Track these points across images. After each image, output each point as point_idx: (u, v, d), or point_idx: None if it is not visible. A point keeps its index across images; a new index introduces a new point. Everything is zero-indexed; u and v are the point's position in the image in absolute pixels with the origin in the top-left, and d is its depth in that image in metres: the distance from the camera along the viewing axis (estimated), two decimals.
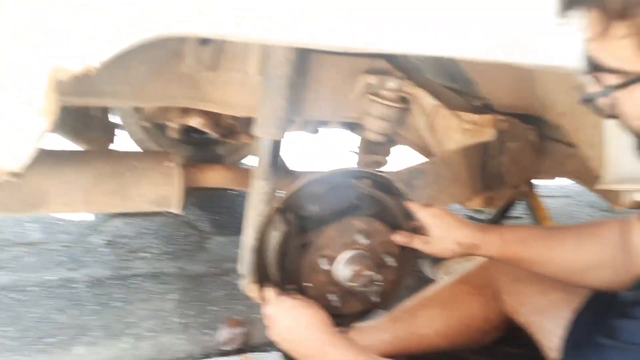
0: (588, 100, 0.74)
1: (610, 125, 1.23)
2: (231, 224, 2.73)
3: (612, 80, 0.70)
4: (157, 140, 2.72)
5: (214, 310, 2.08)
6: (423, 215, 1.18)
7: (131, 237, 2.49)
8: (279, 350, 1.81)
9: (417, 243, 1.18)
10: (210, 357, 1.85)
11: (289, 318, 1.08)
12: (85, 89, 0.98)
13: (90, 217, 2.65)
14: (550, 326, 1.20)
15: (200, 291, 2.16)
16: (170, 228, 2.61)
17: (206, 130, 1.84)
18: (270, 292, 1.13)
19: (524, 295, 1.28)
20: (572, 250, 1.10)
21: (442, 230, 1.17)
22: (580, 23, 0.69)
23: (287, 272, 1.16)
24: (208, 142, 2.88)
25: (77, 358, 1.80)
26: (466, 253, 1.17)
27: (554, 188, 3.40)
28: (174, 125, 2.09)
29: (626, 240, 1.06)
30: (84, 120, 1.58)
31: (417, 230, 1.20)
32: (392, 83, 1.40)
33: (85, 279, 2.11)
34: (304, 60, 1.33)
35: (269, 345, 1.95)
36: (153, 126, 2.33)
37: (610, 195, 1.57)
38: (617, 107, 0.73)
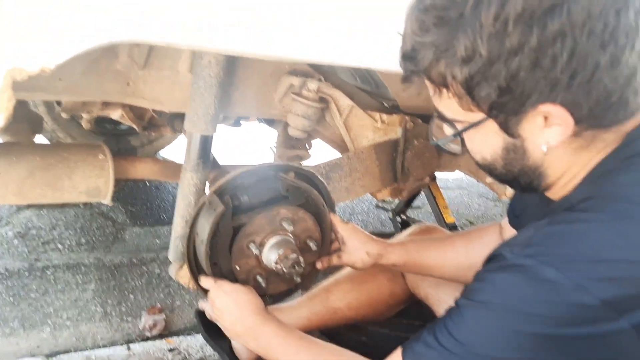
0: (435, 144, 0.91)
1: None
2: (147, 215, 2.75)
3: (452, 128, 0.86)
4: (69, 131, 2.68)
5: (133, 298, 2.12)
6: (342, 228, 1.35)
7: (43, 228, 2.45)
8: (198, 332, 1.92)
9: (335, 260, 1.37)
10: (132, 343, 1.91)
11: (228, 300, 1.19)
12: (24, 85, 1.01)
13: None
14: (445, 297, 1.40)
15: (119, 281, 2.19)
16: (83, 219, 2.59)
17: (127, 122, 1.88)
18: (208, 279, 1.25)
19: None
20: (463, 251, 1.31)
21: (355, 242, 1.35)
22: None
23: (217, 254, 1.27)
24: (122, 134, 2.88)
25: None
26: (374, 262, 1.35)
27: (451, 180, 3.73)
28: (88, 116, 2.10)
29: (503, 238, 1.28)
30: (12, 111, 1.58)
31: (335, 240, 1.38)
32: (312, 84, 1.54)
33: None
34: (231, 61, 1.42)
35: (189, 330, 2.05)
36: (69, 118, 2.30)
37: (496, 187, 1.82)
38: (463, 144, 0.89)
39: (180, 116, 1.70)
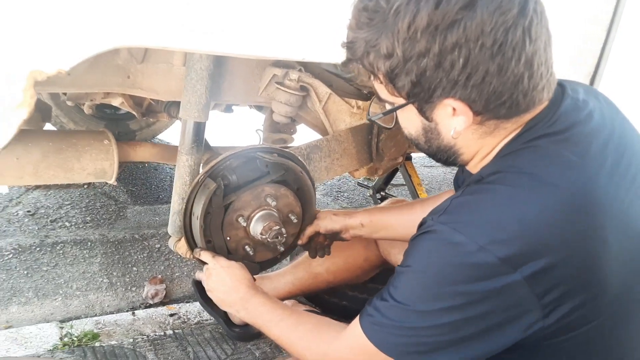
0: (370, 119, 1.11)
1: None
2: (147, 195, 2.94)
3: (384, 107, 1.02)
4: (72, 117, 2.84)
5: (136, 270, 2.32)
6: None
7: (51, 207, 2.63)
8: (196, 300, 2.11)
9: (309, 230, 1.60)
10: (137, 310, 2.11)
11: (223, 273, 1.38)
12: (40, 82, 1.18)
13: (5, 189, 2.74)
14: None
15: (123, 254, 2.37)
16: (88, 199, 2.77)
17: (127, 109, 2.05)
18: (207, 253, 1.43)
19: (372, 238, 1.69)
20: (420, 213, 1.47)
21: (324, 212, 1.62)
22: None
23: (211, 229, 1.45)
24: (121, 118, 3.05)
25: (12, 316, 1.99)
26: (343, 223, 1.58)
27: None
28: (90, 103, 2.26)
29: None
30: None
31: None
32: (293, 74, 1.70)
33: (11, 247, 2.25)
34: (221, 55, 1.59)
35: (187, 298, 2.25)
36: (73, 104, 2.47)
37: None
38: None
39: (176, 104, 1.87)
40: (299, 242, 1.60)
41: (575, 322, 0.91)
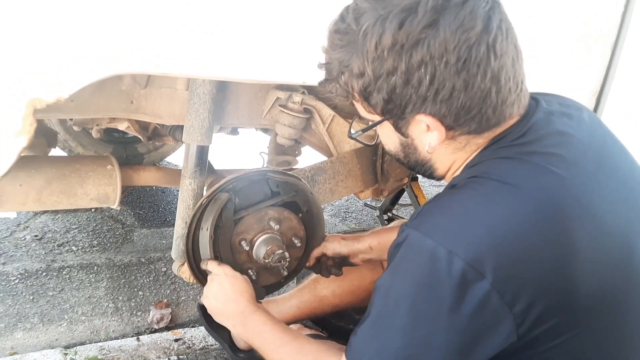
0: (351, 137, 1.13)
1: None
2: (154, 217, 2.94)
3: (361, 124, 1.06)
4: (80, 141, 2.86)
5: (142, 294, 2.30)
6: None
7: (58, 231, 2.64)
8: (201, 325, 2.09)
9: (316, 251, 1.59)
10: (142, 335, 2.09)
11: (226, 282, 1.33)
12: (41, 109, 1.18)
13: (13, 214, 2.75)
14: None
15: (129, 278, 2.37)
16: (95, 222, 2.77)
17: (133, 133, 2.06)
18: (213, 261, 1.39)
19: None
20: None
21: (331, 236, 1.61)
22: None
23: (219, 244, 1.42)
24: (129, 142, 3.06)
25: (17, 342, 1.98)
26: (352, 246, 1.57)
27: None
28: (97, 127, 2.27)
29: None
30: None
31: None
32: (297, 97, 1.70)
33: (17, 272, 2.25)
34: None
35: (193, 322, 2.23)
36: (80, 129, 2.49)
37: None
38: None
39: (181, 127, 1.87)
40: (307, 264, 1.59)
41: (551, 330, 0.91)
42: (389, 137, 1.04)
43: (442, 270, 0.87)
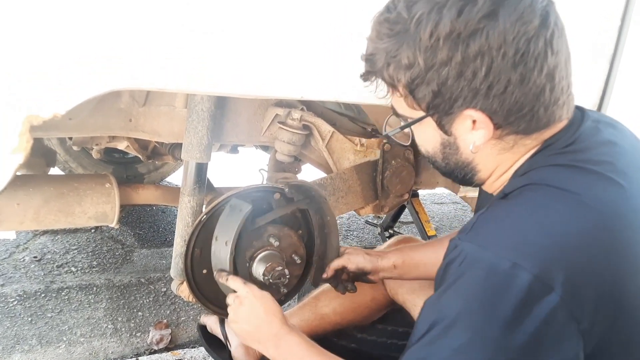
0: (385, 136, 1.05)
1: None
2: (154, 238, 2.92)
3: (401, 122, 1.00)
4: (80, 161, 2.86)
5: (142, 315, 2.28)
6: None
7: (58, 252, 2.62)
8: (201, 345, 2.06)
9: (337, 262, 1.50)
10: (141, 356, 2.06)
11: (257, 304, 1.23)
12: (39, 127, 1.18)
13: (13, 235, 2.74)
14: (420, 302, 1.51)
15: (128, 299, 2.34)
16: (95, 243, 2.76)
17: (132, 152, 2.06)
18: (237, 279, 1.29)
19: (402, 280, 1.62)
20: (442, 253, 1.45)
21: (352, 249, 1.52)
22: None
23: (239, 256, 1.38)
24: (130, 162, 3.07)
25: None
26: (376, 263, 1.50)
27: (445, 195, 3.87)
28: (97, 147, 2.27)
29: None
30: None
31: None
32: (295, 114, 1.70)
33: (16, 294, 2.23)
34: (222, 96, 1.59)
35: (193, 343, 2.20)
36: (79, 149, 2.49)
37: (469, 200, 1.97)
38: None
39: (180, 145, 1.87)
40: (324, 275, 1.50)
41: (612, 347, 0.85)
42: (428, 135, 0.99)
43: (504, 284, 0.81)
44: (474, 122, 0.91)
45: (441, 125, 0.94)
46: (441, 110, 0.91)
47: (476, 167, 1.00)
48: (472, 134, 0.93)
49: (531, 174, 0.93)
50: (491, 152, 0.96)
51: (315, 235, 1.50)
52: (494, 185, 1.02)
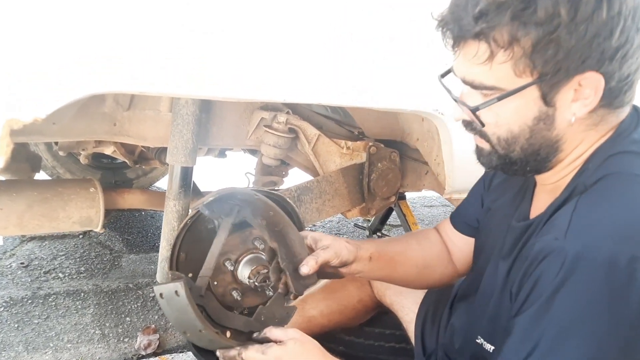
0: (474, 110, 0.92)
1: (447, 150, 1.61)
2: (142, 243, 2.91)
3: (482, 98, 0.90)
4: (68, 167, 2.85)
5: (130, 320, 2.27)
6: (309, 235, 1.34)
7: (45, 259, 2.60)
8: (189, 350, 2.05)
9: (321, 255, 1.24)
10: None
11: (303, 350, 1.08)
12: (22, 131, 1.18)
13: (0, 241, 2.72)
14: (407, 304, 1.55)
15: (116, 304, 2.32)
16: (83, 249, 2.74)
17: (119, 157, 2.05)
18: (276, 329, 1.15)
19: (372, 278, 1.58)
20: (416, 247, 1.41)
21: (329, 238, 1.31)
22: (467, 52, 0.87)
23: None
24: (118, 167, 3.05)
25: None
26: (356, 252, 1.29)
27: (434, 198, 3.88)
28: (84, 152, 2.27)
29: (443, 236, 1.42)
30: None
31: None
32: (281, 117, 1.70)
33: (2, 300, 2.21)
34: (207, 100, 1.59)
35: (181, 348, 2.19)
36: (66, 154, 2.48)
37: (455, 202, 1.97)
38: (480, 121, 0.94)
39: (166, 149, 1.87)
40: (304, 270, 1.26)
41: None
42: (520, 110, 0.90)
43: (626, 280, 0.77)
44: (575, 90, 0.86)
45: (545, 95, 0.87)
46: (560, 74, 0.84)
47: (562, 146, 0.94)
48: (572, 105, 0.88)
49: (610, 162, 0.90)
50: (579, 127, 0.92)
51: (269, 240, 1.32)
52: (563, 172, 0.97)
